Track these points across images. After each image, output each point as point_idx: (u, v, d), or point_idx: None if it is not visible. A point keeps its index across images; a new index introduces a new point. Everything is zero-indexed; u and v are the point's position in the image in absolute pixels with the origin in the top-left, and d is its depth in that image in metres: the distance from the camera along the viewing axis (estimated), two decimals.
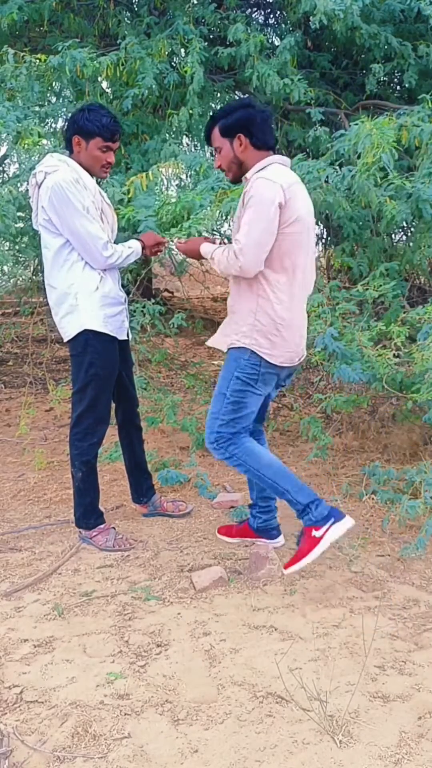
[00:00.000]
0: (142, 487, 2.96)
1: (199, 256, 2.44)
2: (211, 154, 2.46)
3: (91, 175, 2.55)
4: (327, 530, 2.24)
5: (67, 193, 2.39)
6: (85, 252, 2.47)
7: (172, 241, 2.73)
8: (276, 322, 2.24)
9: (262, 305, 2.23)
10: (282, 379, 2.41)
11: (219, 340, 2.42)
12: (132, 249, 2.61)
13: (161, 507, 2.98)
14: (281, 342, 2.26)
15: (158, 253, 2.76)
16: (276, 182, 2.14)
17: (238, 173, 2.31)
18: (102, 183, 2.81)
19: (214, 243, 2.42)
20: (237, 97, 5.17)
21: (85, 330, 2.51)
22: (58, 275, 2.52)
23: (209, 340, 2.49)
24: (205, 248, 2.37)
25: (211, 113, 4.58)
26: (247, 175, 2.26)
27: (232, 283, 2.35)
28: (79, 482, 2.66)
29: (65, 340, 2.61)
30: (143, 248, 2.66)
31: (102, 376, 2.57)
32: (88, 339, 2.53)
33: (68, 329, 2.56)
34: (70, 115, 2.58)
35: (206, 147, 3.02)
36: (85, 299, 2.50)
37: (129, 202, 3.13)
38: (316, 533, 2.25)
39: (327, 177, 3.18)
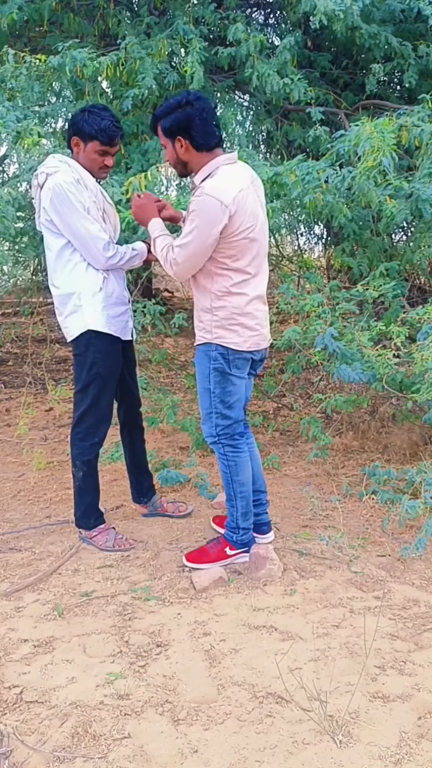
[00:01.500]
0: (142, 487, 2.96)
1: (145, 225, 2.43)
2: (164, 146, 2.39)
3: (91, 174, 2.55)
4: (237, 554, 2.50)
5: (67, 193, 2.38)
6: (86, 252, 2.47)
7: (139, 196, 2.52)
8: (233, 313, 2.27)
9: (217, 301, 2.27)
10: (256, 362, 2.44)
11: (196, 339, 2.44)
12: (136, 251, 2.59)
13: (161, 507, 2.98)
14: (242, 330, 2.30)
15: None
16: (222, 201, 2.10)
17: (184, 171, 2.29)
18: (102, 183, 2.79)
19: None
20: (237, 97, 5.18)
21: (89, 330, 2.52)
22: (61, 276, 2.52)
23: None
24: (153, 225, 2.37)
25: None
26: (195, 179, 2.24)
27: (191, 282, 2.37)
28: (79, 482, 2.66)
29: (68, 340, 2.61)
30: (149, 251, 2.63)
31: (104, 375, 2.57)
32: (90, 339, 2.53)
33: (71, 329, 2.56)
34: (71, 114, 2.56)
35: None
36: (88, 300, 2.50)
37: (128, 202, 3.13)
38: (229, 551, 2.49)
39: (327, 177, 3.18)
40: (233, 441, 2.43)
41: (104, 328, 2.53)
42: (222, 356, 2.31)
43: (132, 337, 2.72)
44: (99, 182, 2.61)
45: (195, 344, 2.41)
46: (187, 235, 2.16)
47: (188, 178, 2.44)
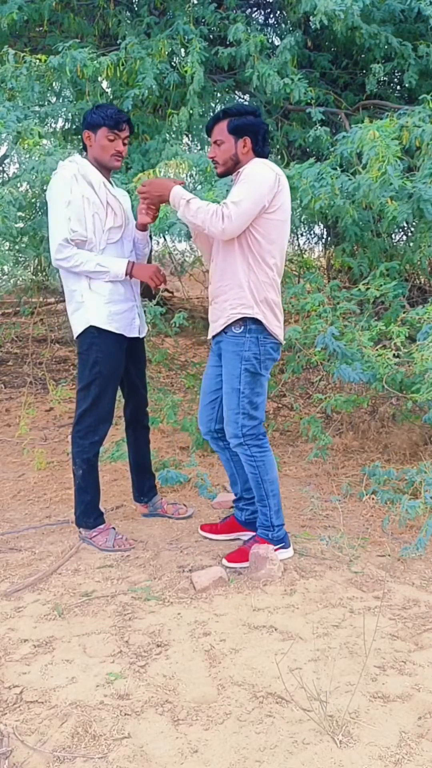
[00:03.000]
0: (143, 487, 2.97)
1: (165, 197, 2.40)
2: (217, 142, 2.44)
3: (105, 168, 2.59)
4: (276, 551, 2.47)
5: (56, 188, 2.49)
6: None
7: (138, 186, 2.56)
8: (271, 297, 2.39)
9: (257, 280, 2.35)
10: (274, 363, 2.52)
11: (215, 325, 2.46)
12: (104, 268, 2.51)
13: (161, 509, 2.98)
14: (272, 318, 2.40)
15: (158, 285, 2.62)
16: (276, 172, 2.31)
17: (231, 170, 2.42)
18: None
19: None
20: (237, 97, 5.18)
21: (91, 327, 2.54)
22: (68, 273, 2.57)
23: (209, 332, 2.54)
24: (179, 191, 2.35)
25: (212, 113, 4.59)
26: (240, 169, 2.38)
27: (221, 260, 2.40)
28: (79, 480, 2.66)
29: (74, 337, 2.64)
30: (132, 275, 2.57)
31: (105, 374, 2.58)
32: (93, 337, 2.55)
33: (75, 325, 2.60)
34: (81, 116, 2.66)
35: (207, 147, 2.99)
36: (90, 296, 2.54)
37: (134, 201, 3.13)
38: (266, 545, 2.46)
39: (341, 184, 3.18)
40: (258, 441, 2.45)
41: (105, 324, 2.55)
42: (254, 355, 2.37)
43: (140, 334, 2.72)
44: (112, 174, 2.67)
45: (223, 327, 2.40)
46: (241, 194, 2.23)
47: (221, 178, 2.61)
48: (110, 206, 2.56)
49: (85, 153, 2.62)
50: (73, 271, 2.52)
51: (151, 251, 4.50)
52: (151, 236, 2.85)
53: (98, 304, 2.54)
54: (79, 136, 4.90)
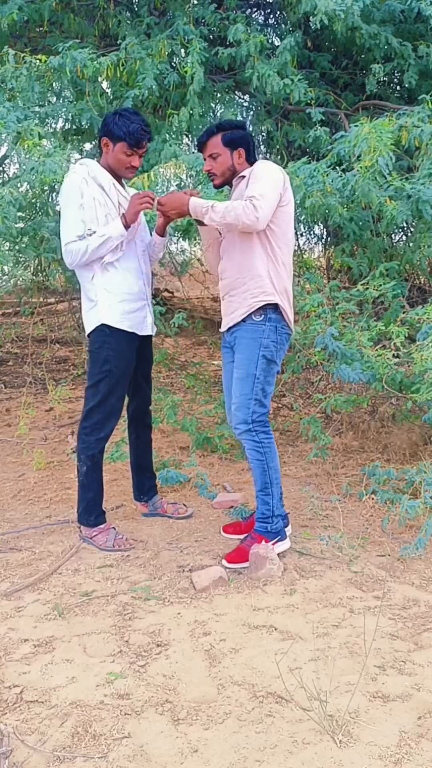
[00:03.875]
0: (144, 487, 2.97)
1: (183, 211, 2.46)
2: (212, 156, 2.52)
3: (117, 176, 2.61)
4: (274, 544, 2.50)
5: (68, 192, 2.49)
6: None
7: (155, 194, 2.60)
8: (285, 285, 2.47)
9: (275, 270, 2.44)
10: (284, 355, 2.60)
11: (233, 316, 2.50)
12: (105, 235, 2.47)
13: (161, 508, 2.99)
14: (288, 308, 2.49)
15: (148, 207, 2.54)
16: (282, 170, 2.43)
17: (228, 180, 2.54)
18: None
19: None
20: (237, 98, 5.19)
21: (103, 325, 2.56)
22: (82, 272, 2.59)
23: (222, 325, 2.58)
24: (198, 201, 2.43)
25: (212, 113, 4.59)
26: (243, 173, 2.49)
27: (238, 253, 2.45)
28: (83, 477, 2.67)
29: (86, 334, 2.66)
30: (128, 223, 2.52)
31: (116, 373, 2.60)
32: (105, 336, 2.57)
33: (88, 323, 2.62)
34: (104, 115, 2.65)
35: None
36: (104, 295, 2.56)
37: None
38: (266, 544, 2.48)
39: (331, 180, 3.18)
40: (266, 428, 2.50)
41: (117, 323, 2.57)
42: (272, 342, 2.44)
43: (152, 332, 2.74)
44: (124, 181, 2.68)
45: (245, 315, 2.44)
46: (260, 188, 2.31)
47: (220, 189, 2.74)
48: (121, 207, 2.58)
49: (99, 153, 2.63)
50: (91, 260, 2.50)
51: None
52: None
53: (111, 302, 2.56)
54: (79, 137, 4.92)
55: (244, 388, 2.45)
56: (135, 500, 3.02)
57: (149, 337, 2.76)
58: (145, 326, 2.68)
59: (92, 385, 2.62)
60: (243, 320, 2.46)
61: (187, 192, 2.50)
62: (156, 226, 2.70)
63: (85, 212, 2.47)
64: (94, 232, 2.48)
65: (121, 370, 2.61)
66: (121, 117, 2.52)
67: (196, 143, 2.62)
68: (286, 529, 2.71)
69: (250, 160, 2.53)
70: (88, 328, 2.62)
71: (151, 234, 2.81)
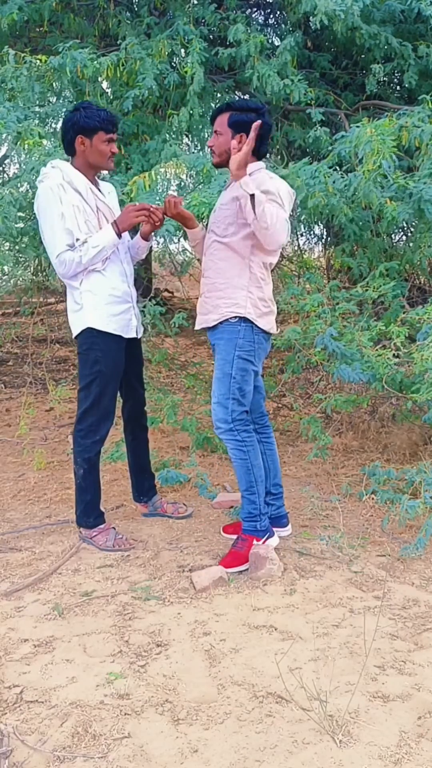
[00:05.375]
0: (143, 487, 2.97)
1: (242, 171, 2.26)
2: (216, 132, 2.46)
3: (95, 171, 2.57)
4: (265, 541, 2.52)
5: (47, 200, 2.44)
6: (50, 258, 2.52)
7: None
8: (264, 295, 2.46)
9: (253, 280, 2.42)
10: (265, 354, 2.59)
11: (206, 318, 2.50)
12: (99, 246, 2.46)
13: (161, 508, 2.99)
14: (267, 312, 2.48)
15: (143, 221, 2.55)
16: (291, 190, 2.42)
17: (225, 162, 2.42)
18: (106, 177, 2.80)
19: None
20: (237, 98, 5.18)
21: (89, 328, 2.54)
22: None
23: (196, 324, 2.57)
24: (250, 181, 2.25)
25: (211, 114, 4.57)
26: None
27: (218, 259, 2.45)
28: (80, 479, 2.67)
29: (73, 336, 2.64)
30: (120, 232, 2.52)
31: (106, 373, 2.58)
32: (93, 337, 2.56)
33: (74, 326, 2.61)
34: (63, 121, 2.57)
35: (207, 148, 2.99)
36: (89, 298, 2.53)
37: (131, 203, 3.14)
38: (257, 543, 2.50)
39: (334, 181, 3.18)
40: (246, 426, 2.50)
41: (104, 326, 2.55)
42: (248, 342, 2.44)
43: (137, 335, 2.72)
44: (102, 178, 2.62)
45: (219, 320, 2.44)
46: (272, 194, 2.26)
47: (217, 170, 2.68)
48: (101, 212, 2.55)
49: (71, 156, 2.56)
50: (80, 269, 2.49)
51: (150, 250, 4.49)
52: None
53: (96, 305, 2.53)
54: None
55: (221, 387, 2.46)
56: (134, 501, 3.02)
57: (138, 339, 2.75)
58: (131, 329, 2.65)
59: (84, 387, 2.61)
60: (217, 325, 2.47)
61: (171, 198, 2.49)
62: (141, 231, 2.67)
63: (67, 221, 2.43)
64: (85, 241, 2.45)
65: (111, 370, 2.60)
66: (86, 110, 2.48)
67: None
68: (286, 529, 2.72)
69: (258, 152, 2.39)
70: (75, 330, 2.60)
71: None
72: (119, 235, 2.52)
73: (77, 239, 2.45)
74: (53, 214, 2.43)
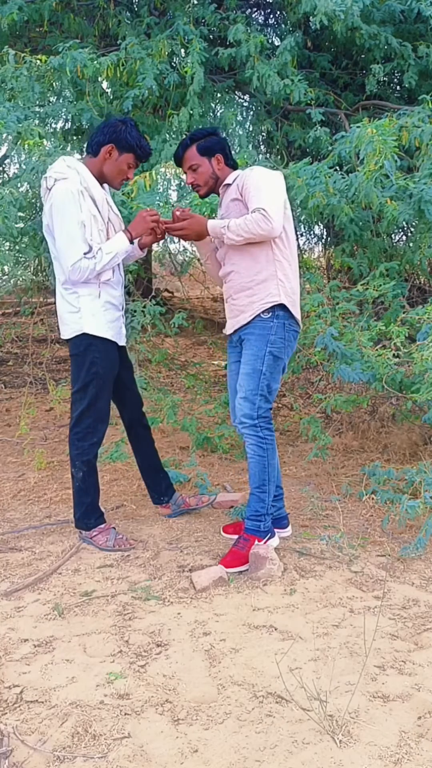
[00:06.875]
0: (160, 487, 2.92)
1: (203, 233, 2.49)
2: (192, 168, 2.55)
3: (103, 184, 2.57)
4: (266, 541, 2.53)
5: (67, 204, 2.40)
6: (58, 262, 2.50)
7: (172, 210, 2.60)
8: (292, 284, 2.49)
9: (280, 267, 2.45)
10: (292, 352, 2.60)
11: (238, 320, 2.51)
12: (112, 252, 2.48)
13: (184, 504, 2.94)
14: (293, 306, 2.50)
15: (154, 232, 2.59)
16: (276, 172, 2.46)
17: (212, 188, 2.56)
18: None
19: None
20: (237, 98, 5.19)
21: (85, 333, 2.54)
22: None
23: (227, 328, 2.59)
24: (215, 222, 2.46)
25: (212, 113, 4.58)
26: (227, 181, 2.51)
27: (238, 259, 2.47)
28: (79, 482, 2.66)
29: (64, 338, 2.63)
30: (133, 239, 2.55)
31: (102, 375, 2.58)
32: (89, 339, 2.55)
33: (68, 329, 2.58)
34: (106, 122, 2.56)
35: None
36: (88, 302, 2.52)
37: (131, 202, 3.14)
38: (259, 543, 2.50)
39: (334, 182, 3.19)
40: (270, 425, 2.51)
41: (102, 332, 2.55)
42: (280, 339, 2.45)
43: (125, 343, 2.73)
44: (109, 191, 2.64)
45: (256, 314, 2.45)
46: (265, 197, 2.33)
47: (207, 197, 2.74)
48: (111, 223, 2.55)
49: (91, 156, 2.54)
50: (93, 276, 2.48)
51: (150, 250, 4.50)
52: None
53: (95, 311, 2.52)
54: (79, 137, 4.91)
55: (250, 383, 2.47)
56: (155, 504, 2.96)
57: (124, 347, 2.76)
58: (122, 336, 2.68)
59: (80, 389, 2.59)
60: (251, 320, 2.47)
61: (178, 209, 2.53)
62: (141, 241, 2.66)
63: (86, 230, 2.42)
64: (99, 249, 2.46)
65: (107, 372, 2.59)
66: (132, 128, 2.51)
67: (173, 160, 2.61)
68: (286, 530, 2.72)
69: (230, 164, 2.55)
70: (68, 333, 2.57)
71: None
72: (131, 242, 2.54)
73: (90, 248, 2.45)
74: (73, 220, 2.40)
